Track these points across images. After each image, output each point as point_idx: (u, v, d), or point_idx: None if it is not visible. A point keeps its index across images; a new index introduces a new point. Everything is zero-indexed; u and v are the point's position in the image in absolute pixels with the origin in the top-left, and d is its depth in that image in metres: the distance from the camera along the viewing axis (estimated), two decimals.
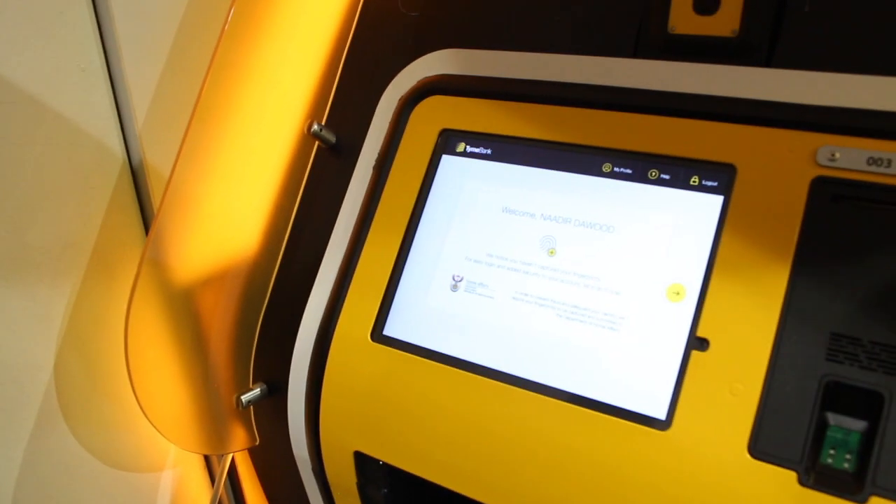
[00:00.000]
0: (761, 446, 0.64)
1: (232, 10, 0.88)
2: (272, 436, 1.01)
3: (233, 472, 1.12)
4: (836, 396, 0.63)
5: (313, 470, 0.94)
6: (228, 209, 0.95)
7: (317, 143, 0.98)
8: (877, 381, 0.62)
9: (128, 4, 0.90)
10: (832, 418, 0.64)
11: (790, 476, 0.62)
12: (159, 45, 0.94)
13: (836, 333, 0.64)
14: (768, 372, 0.65)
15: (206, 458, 1.13)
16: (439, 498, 0.82)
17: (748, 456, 0.64)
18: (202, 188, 0.93)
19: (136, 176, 0.95)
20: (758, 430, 0.64)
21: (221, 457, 1.07)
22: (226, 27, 0.88)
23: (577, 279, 0.75)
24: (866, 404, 0.62)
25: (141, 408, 0.90)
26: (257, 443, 1.03)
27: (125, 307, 0.89)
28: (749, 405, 0.65)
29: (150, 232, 0.88)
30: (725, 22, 0.76)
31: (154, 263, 0.90)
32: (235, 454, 1.10)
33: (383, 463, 0.85)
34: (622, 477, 0.69)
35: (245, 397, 0.96)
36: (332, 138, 0.97)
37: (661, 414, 0.68)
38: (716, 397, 0.66)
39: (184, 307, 0.94)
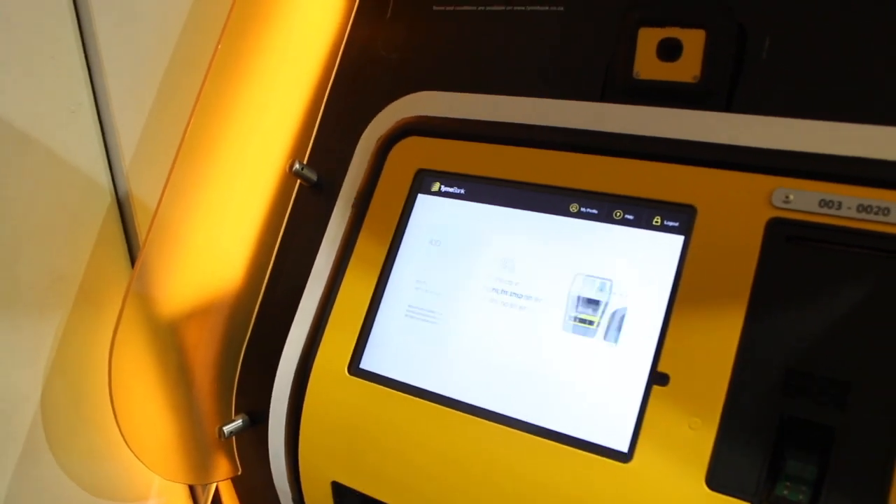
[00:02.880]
0: (718, 479, 0.65)
1: (217, 53, 0.90)
2: (254, 465, 1.02)
3: (216, 502, 1.13)
4: (791, 430, 0.65)
5: (293, 500, 0.94)
6: (212, 244, 0.97)
7: (298, 181, 0.99)
8: (829, 416, 0.63)
9: (117, 47, 0.92)
10: (788, 452, 0.65)
11: None
12: (147, 87, 0.96)
13: (791, 369, 0.65)
14: (725, 406, 0.66)
15: (191, 488, 1.13)
16: None
17: (706, 488, 0.65)
18: (187, 224, 0.94)
19: (123, 211, 0.97)
20: (715, 464, 0.65)
21: (206, 486, 1.08)
22: (210, 68, 0.90)
23: (545, 316, 0.76)
24: (820, 437, 0.63)
25: (124, 438, 0.91)
26: (239, 473, 1.03)
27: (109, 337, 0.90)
28: (706, 439, 0.66)
29: (135, 266, 0.90)
30: (687, 68, 0.78)
31: (139, 296, 0.91)
32: (219, 484, 1.10)
33: (360, 493, 0.86)
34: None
35: (227, 428, 0.97)
36: (313, 177, 0.98)
37: (624, 447, 0.69)
38: (675, 431, 0.67)
39: (167, 339, 0.95)
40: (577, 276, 0.76)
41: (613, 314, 0.73)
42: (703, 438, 0.66)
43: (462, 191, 0.86)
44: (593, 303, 0.75)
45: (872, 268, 0.65)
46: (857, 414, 0.62)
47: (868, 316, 0.64)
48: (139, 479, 1.06)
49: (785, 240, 0.68)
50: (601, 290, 0.75)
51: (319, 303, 0.91)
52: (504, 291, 0.80)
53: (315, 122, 1.01)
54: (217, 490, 1.11)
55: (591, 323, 0.74)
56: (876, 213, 0.65)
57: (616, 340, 0.72)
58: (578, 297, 0.75)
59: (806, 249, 0.68)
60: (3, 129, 0.84)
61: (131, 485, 1.06)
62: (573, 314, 0.75)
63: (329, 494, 0.88)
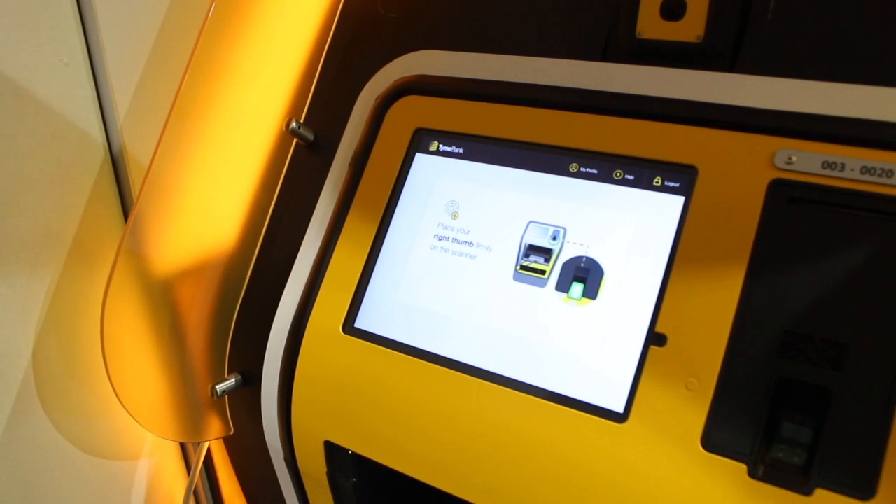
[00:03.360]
0: (713, 439, 0.64)
1: (213, 7, 0.88)
2: (246, 425, 1.01)
3: (208, 461, 1.12)
4: (788, 392, 0.64)
5: (285, 459, 0.94)
6: (207, 202, 0.95)
7: (295, 140, 0.98)
8: (826, 378, 0.62)
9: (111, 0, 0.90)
10: (785, 414, 0.64)
11: (740, 468, 0.63)
12: (142, 40, 0.94)
13: (789, 331, 0.64)
14: (722, 368, 0.65)
15: (183, 447, 1.13)
16: (406, 488, 0.82)
17: (700, 448, 0.64)
18: (181, 181, 0.93)
19: (117, 167, 0.95)
20: (710, 424, 0.65)
21: (197, 445, 1.07)
22: (206, 23, 0.88)
23: (542, 275, 0.76)
24: (816, 400, 0.63)
25: (116, 395, 0.90)
26: (231, 432, 1.03)
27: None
28: (703, 400, 0.65)
29: (128, 222, 0.88)
30: (691, 28, 0.77)
31: (132, 254, 0.90)
32: (211, 443, 1.09)
33: (352, 452, 0.85)
34: (581, 467, 0.69)
35: (220, 387, 0.96)
36: (310, 136, 0.97)
37: (620, 407, 0.69)
38: (671, 391, 0.67)
39: (161, 298, 0.94)
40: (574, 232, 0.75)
41: (581, 264, 0.73)
42: (699, 399, 0.65)
43: (461, 150, 0.85)
44: (584, 266, 0.74)
45: (874, 230, 0.64)
46: (854, 376, 0.61)
47: (868, 278, 0.63)
48: (132, 437, 1.06)
49: (787, 201, 0.67)
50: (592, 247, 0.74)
51: (314, 262, 0.90)
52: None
53: (312, 81, 0.99)
54: (209, 450, 1.11)
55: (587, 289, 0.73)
56: (880, 175, 0.65)
57: (595, 296, 0.72)
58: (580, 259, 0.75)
59: (808, 211, 0.67)
60: None
61: (124, 443, 1.05)
62: (567, 281, 0.74)
63: (321, 453, 0.88)
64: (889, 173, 0.64)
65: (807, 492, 0.61)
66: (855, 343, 0.62)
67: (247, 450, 1.04)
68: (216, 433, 1.01)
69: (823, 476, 0.60)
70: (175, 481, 1.13)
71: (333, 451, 0.87)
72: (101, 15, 0.89)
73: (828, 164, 0.66)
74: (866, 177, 0.65)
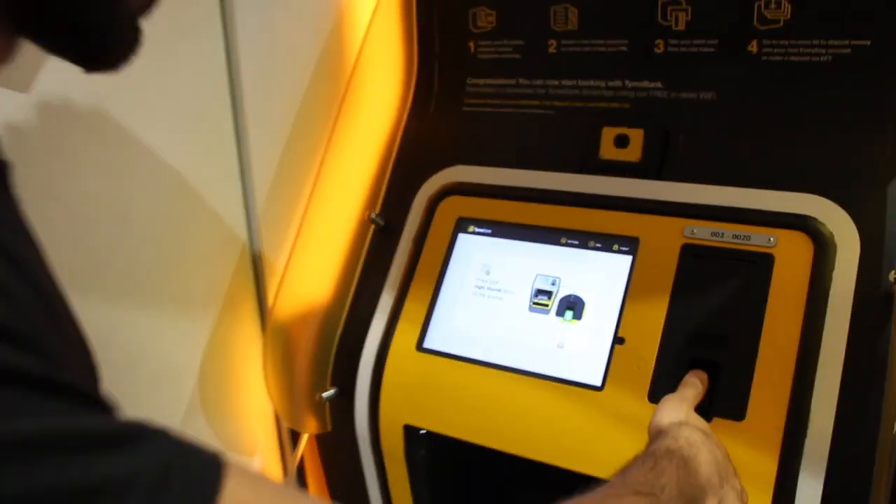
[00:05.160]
0: (653, 396, 1.07)
1: (332, 134, 1.34)
2: (342, 424, 1.42)
3: (301, 467, 1.53)
4: (697, 365, 1.07)
5: (370, 442, 1.34)
6: (314, 271, 1.38)
7: (372, 225, 1.41)
8: (717, 355, 1.06)
9: (260, 126, 1.34)
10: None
11: None
12: (277, 156, 1.38)
13: (696, 331, 1.08)
14: (658, 353, 1.09)
15: (282, 451, 1.52)
16: (466, 457, 1.23)
17: (647, 402, 1.07)
18: (296, 261, 1.36)
19: (255, 261, 1.39)
20: (652, 387, 1.07)
21: (294, 448, 1.48)
22: (329, 147, 1.33)
23: (546, 307, 1.19)
24: (712, 368, 1.06)
25: (273, 403, 1.31)
26: (329, 429, 1.43)
27: (243, 336, 1.32)
28: (647, 374, 1.08)
29: (276, 295, 1.32)
30: (633, 153, 1.23)
31: (271, 311, 1.33)
32: (306, 452, 1.50)
33: (424, 431, 1.26)
34: (573, 422, 1.11)
35: (325, 395, 1.37)
36: (382, 222, 1.41)
37: (598, 382, 1.11)
38: (628, 371, 1.10)
39: (287, 334, 1.36)
40: (559, 279, 1.19)
41: (571, 299, 1.17)
42: (644, 374, 1.08)
43: (489, 231, 1.29)
44: (573, 301, 1.18)
45: (741, 272, 1.08)
46: (733, 353, 1.05)
47: (739, 297, 1.07)
48: (250, 438, 1.46)
49: (692, 257, 1.12)
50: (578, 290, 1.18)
51: (392, 305, 1.32)
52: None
53: (384, 182, 1.44)
54: (303, 459, 1.51)
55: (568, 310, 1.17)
56: (742, 239, 1.09)
57: (580, 318, 1.15)
58: (566, 296, 1.19)
59: (704, 262, 1.11)
60: (168, 179, 1.25)
61: (245, 442, 1.45)
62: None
63: (401, 435, 1.29)
64: (748, 238, 1.09)
65: (709, 419, 1.03)
66: (733, 335, 1.06)
67: (340, 444, 1.44)
68: (321, 428, 1.42)
69: (717, 410, 1.03)
70: (274, 473, 1.53)
71: (410, 433, 1.28)
72: (253, 136, 1.33)
73: (714, 234, 1.11)
74: (735, 240, 1.10)
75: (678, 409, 0.94)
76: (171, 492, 0.42)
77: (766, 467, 0.98)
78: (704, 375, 1.03)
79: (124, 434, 0.43)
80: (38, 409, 0.41)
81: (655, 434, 0.92)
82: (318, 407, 1.40)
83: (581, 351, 1.15)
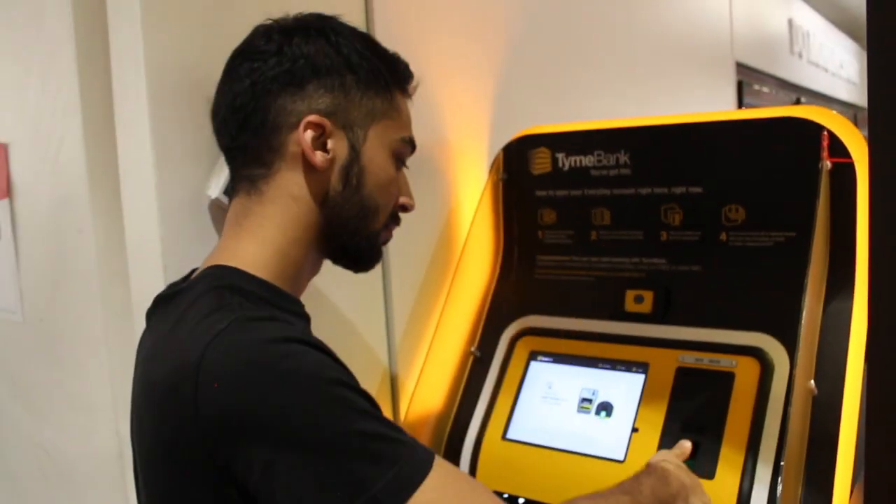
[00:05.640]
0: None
1: (455, 277, 1.98)
2: None
3: None
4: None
5: None
6: (433, 390, 2.00)
7: (472, 357, 2.03)
8: (696, 438, 1.61)
9: (401, 280, 2.00)
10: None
11: None
12: (414, 303, 2.03)
13: (686, 423, 1.64)
14: (660, 439, 1.65)
15: None
16: None
17: None
18: (426, 388, 1.99)
19: (393, 382, 2.01)
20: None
21: None
22: (447, 300, 1.98)
23: (588, 409, 1.77)
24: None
25: None
26: None
27: None
28: (653, 451, 1.64)
29: (404, 412, 1.94)
30: (646, 306, 1.83)
31: (403, 420, 1.94)
32: None
33: (510, 496, 1.83)
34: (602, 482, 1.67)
35: None
36: (479, 354, 2.02)
37: (621, 456, 1.68)
38: (641, 449, 1.66)
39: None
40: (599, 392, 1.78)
41: (604, 404, 1.74)
42: (651, 450, 1.64)
43: (552, 360, 1.89)
44: (605, 405, 1.76)
45: (713, 384, 1.65)
46: (708, 437, 1.60)
47: (712, 402, 1.63)
48: None
49: (683, 375, 1.69)
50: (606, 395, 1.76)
51: (485, 410, 1.92)
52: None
53: (480, 326, 2.07)
54: None
55: (606, 409, 1.75)
56: (715, 363, 1.67)
57: (611, 415, 1.73)
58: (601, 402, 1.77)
59: (691, 378, 1.68)
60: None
61: None
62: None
63: None
64: (718, 361, 1.67)
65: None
66: (708, 424, 1.62)
67: None
68: None
69: (696, 471, 1.58)
70: None
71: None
72: (395, 286, 1.98)
73: (697, 359, 1.69)
74: (710, 363, 1.67)
75: (665, 454, 1.50)
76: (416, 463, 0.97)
77: None
78: (689, 443, 1.59)
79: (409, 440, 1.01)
80: (378, 426, 0.97)
81: (650, 466, 1.48)
82: None
83: (611, 437, 1.71)
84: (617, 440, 1.69)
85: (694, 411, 1.64)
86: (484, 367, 1.99)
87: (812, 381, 1.55)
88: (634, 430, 1.67)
